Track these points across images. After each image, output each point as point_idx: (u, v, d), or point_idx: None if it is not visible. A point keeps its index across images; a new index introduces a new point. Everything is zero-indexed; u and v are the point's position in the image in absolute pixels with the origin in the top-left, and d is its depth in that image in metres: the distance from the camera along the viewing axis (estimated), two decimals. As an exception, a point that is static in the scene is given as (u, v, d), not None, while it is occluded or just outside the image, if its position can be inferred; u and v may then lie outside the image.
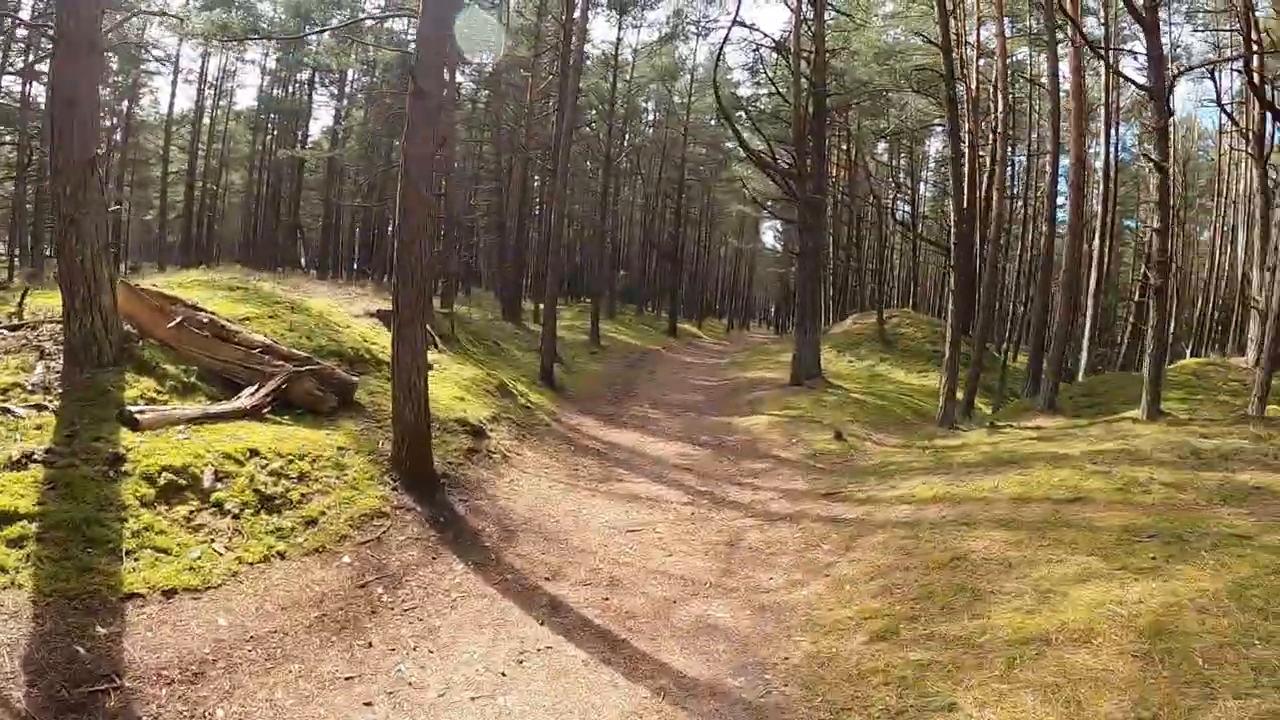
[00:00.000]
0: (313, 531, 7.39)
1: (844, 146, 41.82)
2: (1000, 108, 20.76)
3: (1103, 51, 15.90)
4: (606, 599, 7.17)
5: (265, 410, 9.21)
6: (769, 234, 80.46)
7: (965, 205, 17.33)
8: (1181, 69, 17.59)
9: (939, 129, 46.46)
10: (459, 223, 33.26)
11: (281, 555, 6.89)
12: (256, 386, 9.44)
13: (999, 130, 20.68)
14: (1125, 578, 6.09)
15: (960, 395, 18.08)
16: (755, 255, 79.60)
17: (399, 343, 8.91)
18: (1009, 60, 21.93)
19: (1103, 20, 22.79)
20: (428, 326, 17.42)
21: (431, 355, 15.49)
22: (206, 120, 46.68)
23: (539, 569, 7.79)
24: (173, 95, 47.96)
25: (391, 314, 15.40)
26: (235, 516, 7.04)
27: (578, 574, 7.75)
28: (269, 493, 7.51)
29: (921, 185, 47.84)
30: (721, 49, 21.10)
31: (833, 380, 23.30)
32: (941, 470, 11.58)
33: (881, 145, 46.18)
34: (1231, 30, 25.21)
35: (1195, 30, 35.04)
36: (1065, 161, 20.80)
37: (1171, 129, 14.88)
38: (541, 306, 25.95)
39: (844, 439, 15.15)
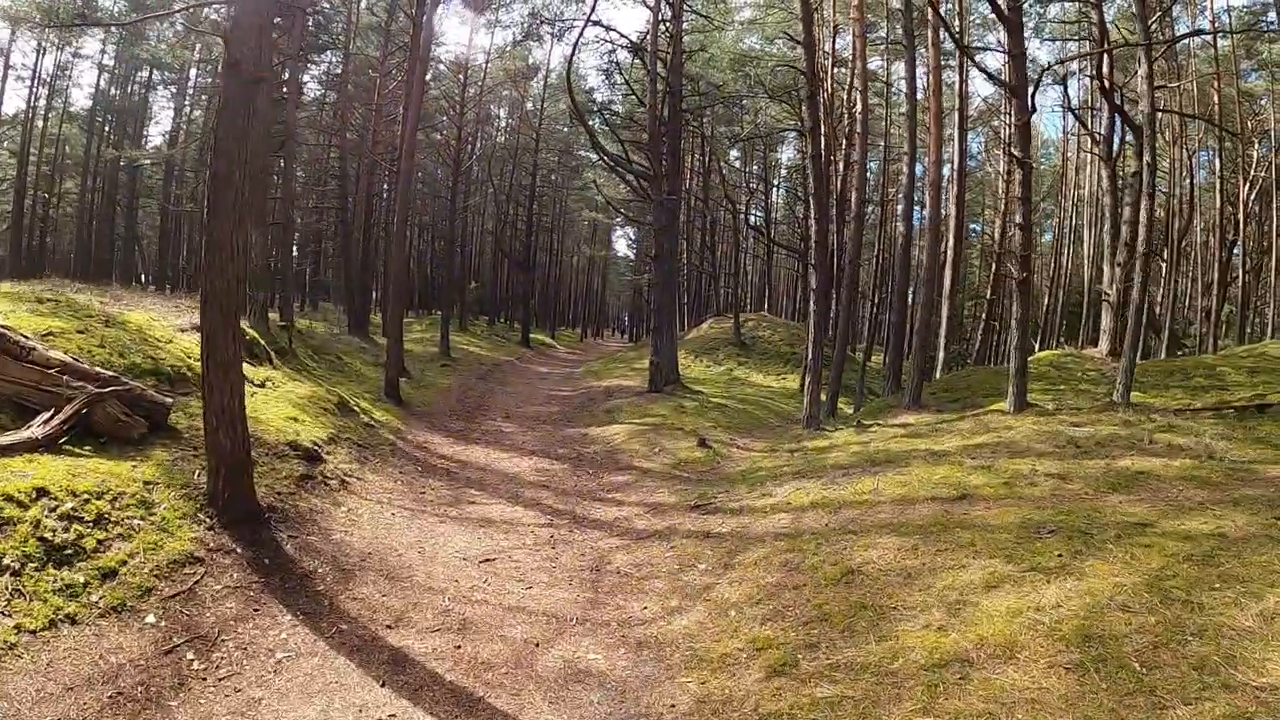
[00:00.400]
0: (111, 587, 6.19)
1: (698, 155, 41.93)
2: (859, 107, 20.79)
3: (966, 48, 16.02)
4: (459, 647, 6.26)
5: (61, 440, 7.84)
6: (621, 242, 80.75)
7: (825, 206, 17.14)
8: (1046, 66, 17.98)
9: (792, 136, 47.41)
10: (300, 230, 31.40)
11: (72, 619, 5.69)
12: (52, 413, 8.06)
13: (859, 130, 20.69)
14: (1036, 580, 5.82)
15: (823, 396, 17.94)
16: (608, 263, 79.51)
17: (209, 360, 7.67)
18: (858, 74, 22.06)
19: (957, 29, 23.25)
20: (262, 341, 16.14)
21: (265, 372, 14.24)
22: (40, 123, 42.28)
23: (380, 615, 6.80)
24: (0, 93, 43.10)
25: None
26: (15, 574, 5.79)
27: (425, 618, 6.80)
28: (58, 541, 6.26)
29: (775, 191, 48.39)
30: (576, 46, 20.41)
31: (691, 386, 22.97)
32: (814, 474, 11.19)
33: (734, 153, 46.65)
34: (1080, 39, 26.40)
35: (1044, 41, 36.98)
36: (919, 165, 21.23)
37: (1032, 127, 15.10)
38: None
39: (708, 446, 14.68)
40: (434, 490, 11.20)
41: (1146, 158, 15.37)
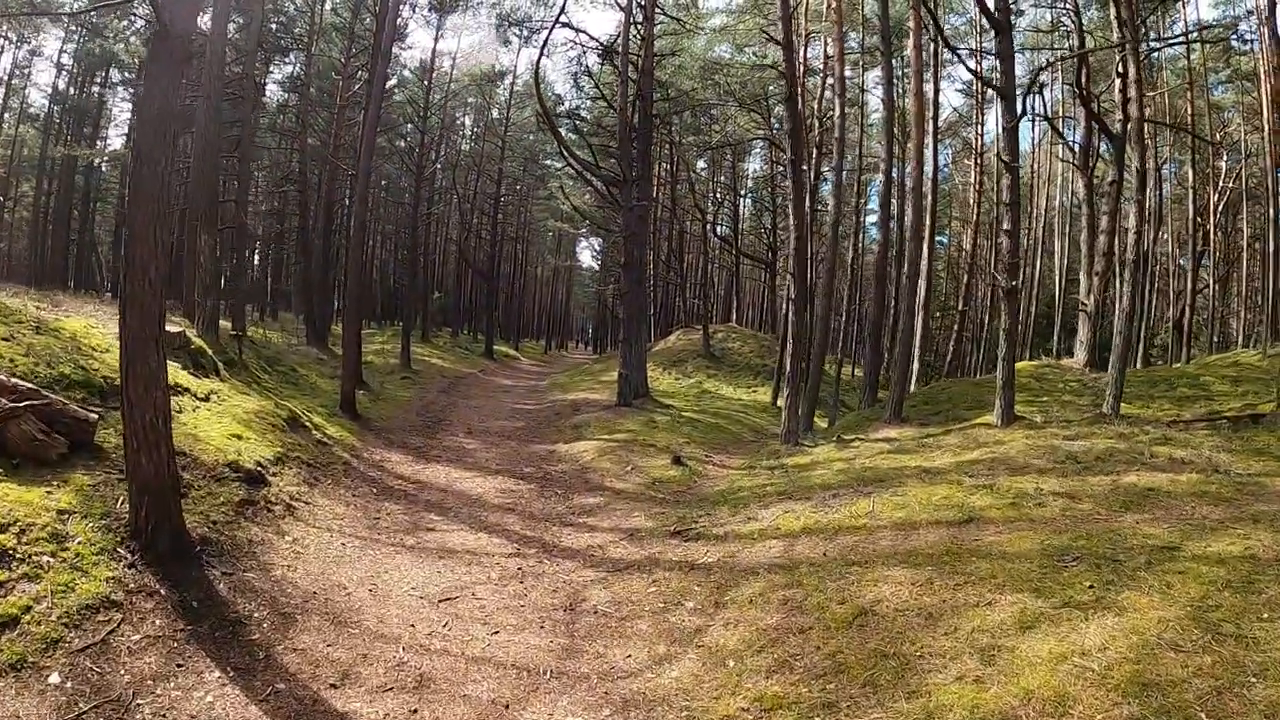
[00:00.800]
0: (10, 638, 5.24)
1: (666, 165, 41.32)
2: (837, 112, 20.18)
3: (955, 48, 15.46)
4: (415, 711, 5.37)
5: (-39, 463, 6.92)
6: (586, 253, 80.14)
7: (803, 212, 16.48)
8: (1042, 66, 17.59)
9: (759, 148, 47.01)
10: (259, 236, 30.26)
11: (-44, 681, 4.79)
12: (-45, 431, 7.11)
13: (836, 136, 20.07)
14: (1073, 618, 5.21)
15: (800, 410, 17.23)
16: (573, 274, 78.74)
17: (129, 372, 6.66)
18: (835, 78, 21.51)
19: (932, 35, 22.82)
20: (209, 351, 15.11)
21: (211, 384, 13.23)
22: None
23: (324, 670, 5.87)
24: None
25: (165, 335, 13.16)
26: (-112, 624, 4.89)
27: (375, 673, 5.88)
28: (-54, 584, 5.37)
29: (743, 202, 47.90)
30: (545, 45, 19.54)
31: (661, 399, 22.21)
32: (801, 495, 10.46)
33: (702, 163, 46.09)
34: (1054, 48, 26.15)
35: (1017, 49, 36.84)
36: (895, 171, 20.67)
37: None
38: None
39: (684, 464, 13.89)
40: (390, 515, 10.26)
41: (1137, 164, 14.83)
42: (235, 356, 16.17)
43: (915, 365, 23.95)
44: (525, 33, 31.68)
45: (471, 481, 12.55)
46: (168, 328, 14.27)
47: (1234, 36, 27.85)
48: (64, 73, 40.40)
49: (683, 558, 8.55)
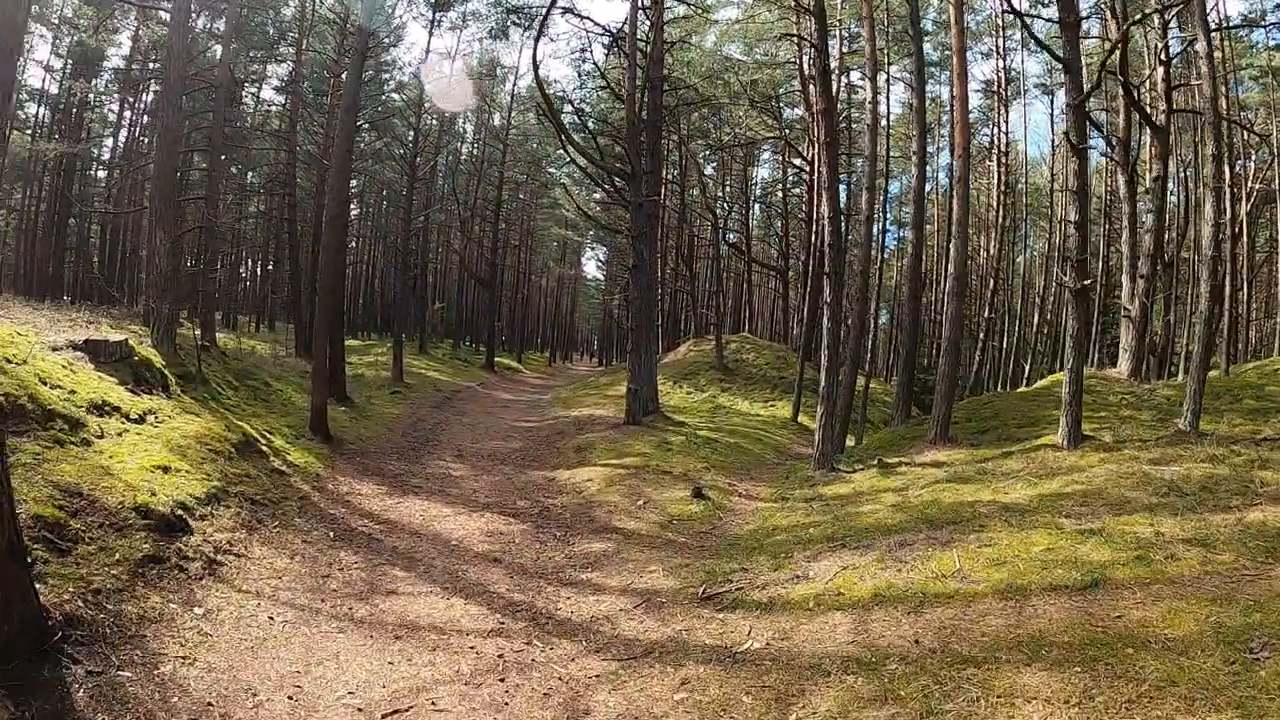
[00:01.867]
0: None
1: (675, 170, 39.51)
2: (869, 96, 18.18)
3: (1020, 11, 13.43)
4: None
5: None
6: (591, 264, 78.51)
7: (837, 200, 14.49)
8: (1130, 21, 15.58)
9: (768, 154, 45.24)
10: (226, 238, 28.37)
11: None
12: None
13: (870, 123, 18.06)
14: None
15: (833, 429, 15.14)
16: (578, 284, 76.97)
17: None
18: (867, 57, 19.53)
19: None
20: (157, 363, 13.06)
21: (150, 402, 11.21)
22: None
23: None
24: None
25: (100, 344, 11.19)
26: None
27: None
28: None
29: (753, 207, 45.98)
30: (544, 22, 17.62)
31: (673, 415, 20.15)
32: (855, 540, 8.47)
33: (710, 169, 44.33)
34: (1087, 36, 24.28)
35: (1032, 52, 35.07)
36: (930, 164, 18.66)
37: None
38: (354, 340, 21.61)
39: (705, 496, 11.82)
40: (344, 570, 8.14)
41: (1211, 149, 12.85)
42: (193, 369, 14.16)
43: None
44: (526, 22, 29.75)
45: (453, 521, 10.44)
46: (108, 336, 12.33)
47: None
48: (50, 75, 38.78)
49: (719, 639, 6.45)
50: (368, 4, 15.86)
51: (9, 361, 9.12)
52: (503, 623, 6.99)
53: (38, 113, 40.16)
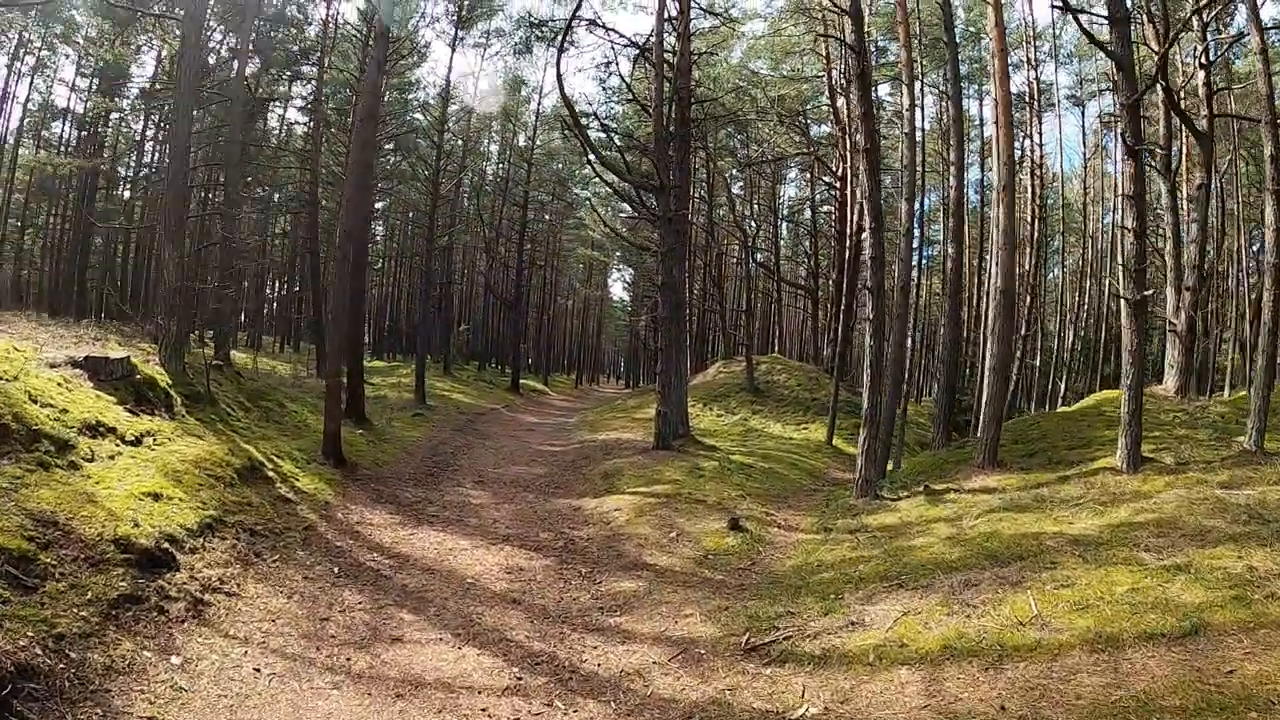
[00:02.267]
0: None
1: (703, 189, 38.85)
2: (905, 100, 17.35)
3: (1070, 7, 12.56)
4: None
5: None
6: (617, 285, 77.83)
7: (878, 210, 13.64)
8: (1178, 29, 14.78)
9: (795, 173, 44.47)
10: (265, 259, 27.94)
11: None
12: None
13: (907, 130, 17.17)
14: None
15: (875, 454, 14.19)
16: (604, 306, 76.31)
17: None
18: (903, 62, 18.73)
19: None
20: (162, 382, 12.39)
21: (149, 423, 10.52)
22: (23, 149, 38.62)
23: None
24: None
25: (100, 361, 10.65)
26: None
27: None
28: None
29: (781, 226, 45.12)
30: (567, 31, 16.94)
31: (704, 439, 19.29)
32: (912, 578, 7.61)
33: (736, 188, 43.63)
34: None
35: (1060, 63, 34.22)
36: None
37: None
38: (379, 361, 20.94)
39: (742, 528, 10.92)
40: (346, 612, 7.31)
41: (1275, 149, 11.92)
42: (201, 388, 13.48)
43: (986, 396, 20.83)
44: (550, 35, 29.16)
45: (470, 555, 9.60)
46: (108, 353, 11.68)
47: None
48: (75, 93, 38.75)
49: (769, 702, 5.57)
50: (387, 6, 15.20)
51: (2, 377, 8.49)
52: (520, 678, 6.14)
53: (63, 131, 40.24)
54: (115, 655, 5.47)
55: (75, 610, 5.67)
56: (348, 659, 6.29)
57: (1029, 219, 34.54)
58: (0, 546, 5.76)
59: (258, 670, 5.85)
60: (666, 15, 19.51)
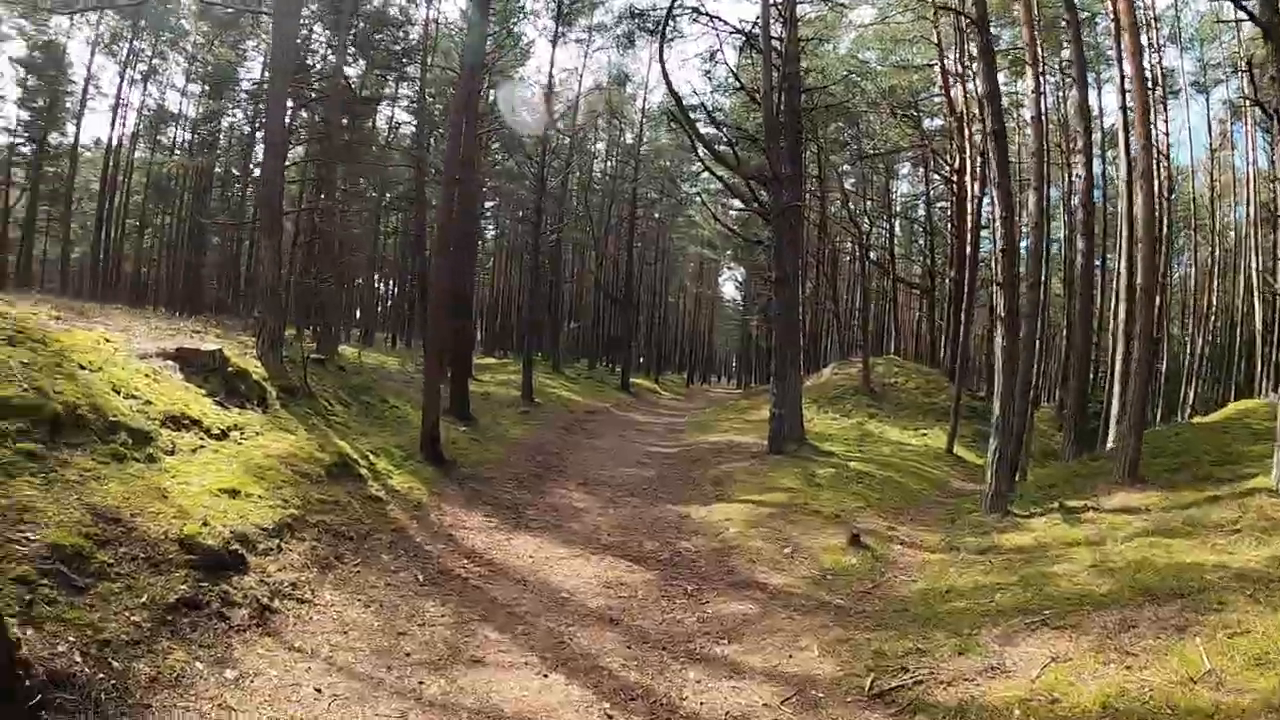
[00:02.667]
0: None
1: (813, 184, 37.60)
2: (1031, 83, 15.88)
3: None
4: None
5: None
6: (729, 284, 76.90)
7: (1009, 196, 12.40)
8: None
9: (906, 169, 42.79)
10: (360, 252, 28.05)
11: None
12: None
13: (1033, 115, 15.72)
14: None
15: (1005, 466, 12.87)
16: (715, 306, 75.46)
17: None
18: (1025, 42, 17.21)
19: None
20: (255, 375, 12.07)
21: (238, 417, 10.13)
22: (139, 151, 40.75)
23: None
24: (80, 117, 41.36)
25: (191, 353, 10.39)
26: None
27: None
28: None
29: (895, 223, 43.41)
30: (668, 17, 16.20)
31: (818, 443, 18.17)
32: (1055, 612, 6.59)
33: (849, 184, 42.17)
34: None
35: (1184, 49, 31.69)
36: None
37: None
38: (490, 358, 20.62)
39: (863, 544, 9.88)
40: (425, 626, 6.61)
41: None
42: (298, 381, 13.16)
43: (1115, 404, 18.94)
44: (652, 25, 28.45)
45: (568, 566, 8.84)
46: (201, 345, 11.39)
47: None
48: (183, 95, 40.27)
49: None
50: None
51: (82, 368, 8.14)
52: (611, 716, 5.30)
53: (174, 134, 41.95)
54: (164, 666, 4.90)
55: (126, 614, 5.15)
56: (420, 682, 5.57)
57: (1155, 212, 32.11)
58: (53, 543, 5.31)
59: (319, 691, 5.19)
60: (772, 0, 18.56)
